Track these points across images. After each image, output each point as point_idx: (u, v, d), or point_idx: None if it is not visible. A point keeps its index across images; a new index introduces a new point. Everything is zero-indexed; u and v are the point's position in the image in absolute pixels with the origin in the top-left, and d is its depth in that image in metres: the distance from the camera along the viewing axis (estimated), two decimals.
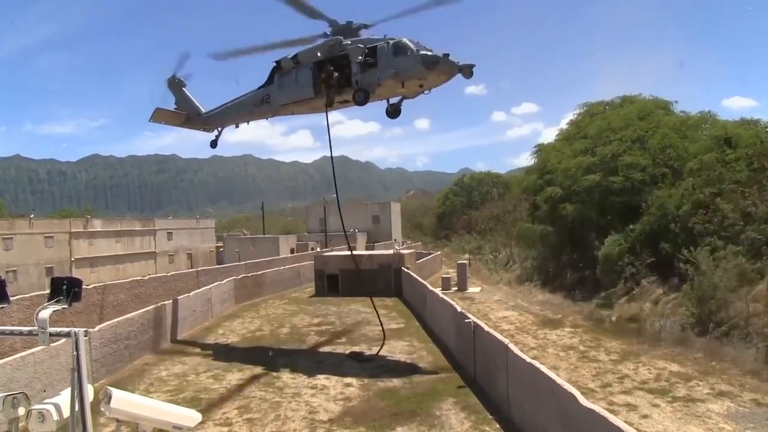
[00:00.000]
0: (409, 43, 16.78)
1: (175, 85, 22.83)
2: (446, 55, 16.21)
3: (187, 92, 22.96)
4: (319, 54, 18.28)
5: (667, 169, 26.43)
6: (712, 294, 18.52)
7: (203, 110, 22.63)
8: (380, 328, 19.75)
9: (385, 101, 18.90)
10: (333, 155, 20.02)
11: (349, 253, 38.65)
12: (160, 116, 22.23)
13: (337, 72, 17.95)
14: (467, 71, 16.14)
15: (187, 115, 22.68)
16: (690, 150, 26.16)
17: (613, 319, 23.26)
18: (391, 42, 17.05)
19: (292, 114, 21.21)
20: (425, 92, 17.64)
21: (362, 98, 17.45)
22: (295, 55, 18.93)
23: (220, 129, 22.60)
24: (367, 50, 17.31)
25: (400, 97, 18.64)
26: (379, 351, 18.72)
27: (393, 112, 19.13)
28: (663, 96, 33.97)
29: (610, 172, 27.98)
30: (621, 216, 26.79)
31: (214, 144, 22.98)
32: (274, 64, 19.69)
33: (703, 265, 19.24)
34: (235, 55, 19.87)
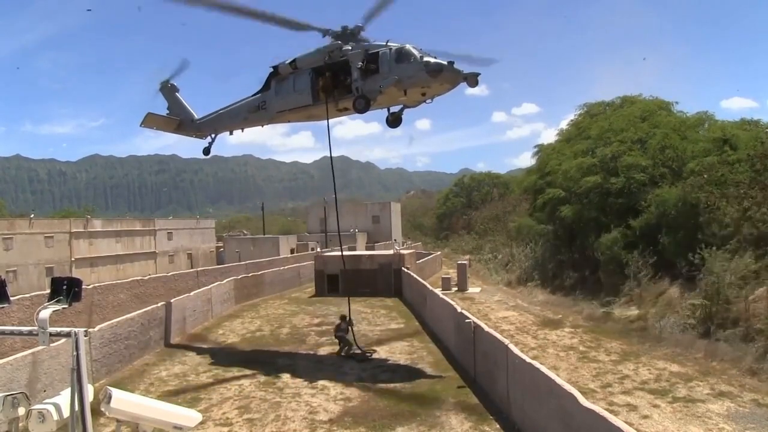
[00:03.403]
0: (413, 50, 16.24)
1: (168, 89, 22.33)
2: (451, 63, 15.68)
3: (180, 97, 22.47)
4: (318, 59, 17.79)
5: (666, 169, 26.42)
6: (714, 294, 18.51)
7: (196, 116, 22.12)
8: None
9: (386, 109, 18.43)
10: (334, 155, 19.88)
11: (348, 253, 38.78)
12: (151, 121, 21.73)
13: (337, 78, 17.46)
14: (472, 80, 15.61)
15: (180, 121, 22.21)
16: (689, 151, 26.16)
17: (614, 318, 23.26)
18: (394, 48, 16.52)
19: (288, 122, 20.58)
20: (427, 101, 17.08)
21: (363, 106, 16.94)
22: (293, 61, 18.36)
23: (213, 136, 22.03)
24: (368, 56, 16.77)
25: (401, 106, 18.15)
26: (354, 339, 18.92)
27: (394, 120, 18.60)
28: (663, 96, 33.99)
29: (610, 173, 27.96)
30: (621, 216, 26.77)
31: (207, 151, 22.41)
32: (271, 70, 19.12)
33: (705, 265, 19.23)
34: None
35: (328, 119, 18.54)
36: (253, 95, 20.00)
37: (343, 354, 18.44)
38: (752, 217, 20.23)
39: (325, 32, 17.55)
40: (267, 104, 19.42)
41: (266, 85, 19.46)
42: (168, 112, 22.49)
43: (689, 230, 22.19)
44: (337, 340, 19.00)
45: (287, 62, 18.57)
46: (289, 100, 18.80)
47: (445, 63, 15.74)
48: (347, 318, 19.06)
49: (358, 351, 18.31)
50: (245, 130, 21.63)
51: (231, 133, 21.97)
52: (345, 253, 39.63)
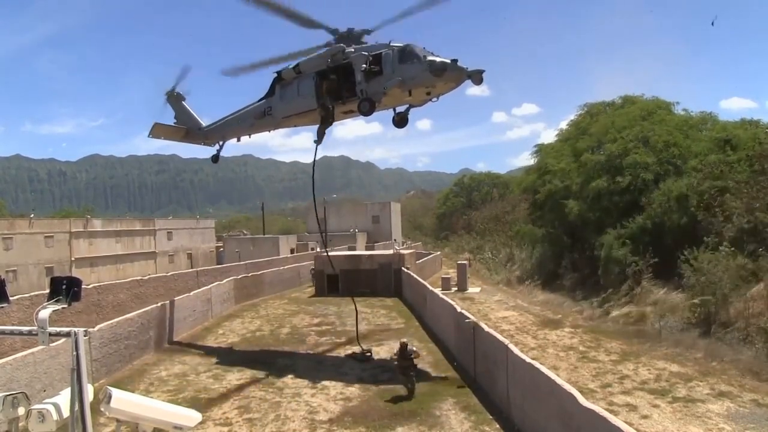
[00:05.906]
0: (416, 49, 15.98)
1: (174, 98, 22.40)
2: (455, 61, 15.37)
3: (186, 106, 22.49)
4: (321, 63, 17.59)
5: (670, 166, 26.42)
6: (712, 294, 18.52)
7: (203, 124, 22.16)
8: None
9: (391, 109, 18.19)
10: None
11: (349, 253, 38.82)
12: (159, 131, 21.83)
13: (341, 81, 17.25)
14: (477, 77, 15.30)
15: (187, 130, 22.30)
16: (692, 149, 26.20)
17: (614, 318, 23.25)
18: (397, 48, 16.26)
19: (295, 126, 20.47)
20: (433, 100, 16.80)
21: (367, 108, 16.67)
22: (297, 65, 18.15)
23: (221, 143, 22.06)
24: (371, 58, 16.49)
25: (406, 106, 17.92)
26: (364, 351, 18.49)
27: (400, 120, 18.29)
28: (663, 96, 33.96)
29: (615, 171, 27.86)
30: (623, 214, 26.72)
31: (215, 159, 22.54)
32: (275, 75, 19.00)
33: (704, 265, 19.24)
34: (244, 71, 18.92)
35: (331, 122, 18.39)
36: (258, 101, 19.87)
37: (409, 388, 14.26)
38: (754, 214, 20.22)
39: (332, 32, 17.32)
40: (273, 110, 19.31)
41: (271, 91, 19.33)
42: (175, 120, 22.53)
43: (689, 230, 22.20)
44: (401, 374, 14.62)
45: (291, 67, 18.38)
46: (294, 105, 18.65)
47: (449, 61, 15.46)
48: (407, 346, 14.79)
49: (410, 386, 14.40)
50: (252, 135, 21.48)
51: (238, 140, 21.77)
52: (345, 253, 39.73)
